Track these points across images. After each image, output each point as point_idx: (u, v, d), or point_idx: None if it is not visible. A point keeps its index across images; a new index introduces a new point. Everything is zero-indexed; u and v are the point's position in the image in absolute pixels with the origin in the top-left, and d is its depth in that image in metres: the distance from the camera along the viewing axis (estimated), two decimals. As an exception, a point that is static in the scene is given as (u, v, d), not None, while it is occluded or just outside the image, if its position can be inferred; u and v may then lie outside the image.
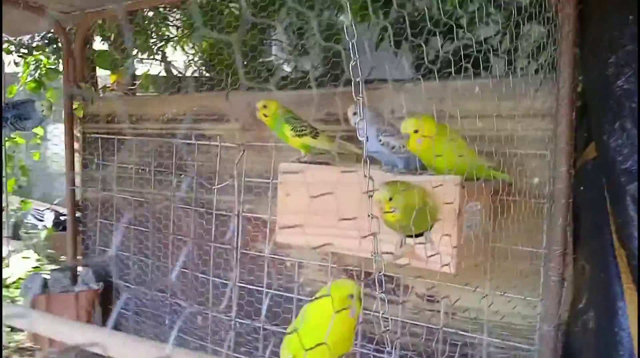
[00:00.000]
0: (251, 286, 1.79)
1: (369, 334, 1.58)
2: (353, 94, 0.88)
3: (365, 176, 0.93)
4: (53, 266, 5.02)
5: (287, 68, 3.03)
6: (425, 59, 1.17)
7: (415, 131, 1.18)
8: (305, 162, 1.43)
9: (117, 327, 2.21)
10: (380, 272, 0.93)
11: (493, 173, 1.27)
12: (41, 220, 6.18)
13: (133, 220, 2.10)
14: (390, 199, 1.11)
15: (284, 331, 1.73)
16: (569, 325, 1.36)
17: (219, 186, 1.82)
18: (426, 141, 1.18)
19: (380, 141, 1.34)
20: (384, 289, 0.93)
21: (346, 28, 0.82)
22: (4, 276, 4.75)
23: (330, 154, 1.51)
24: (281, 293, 1.72)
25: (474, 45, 1.22)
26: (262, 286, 1.76)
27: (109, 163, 2.17)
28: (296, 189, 1.39)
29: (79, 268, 2.17)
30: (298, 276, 1.70)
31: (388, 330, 0.98)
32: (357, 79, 0.93)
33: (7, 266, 4.98)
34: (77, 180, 2.27)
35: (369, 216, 0.95)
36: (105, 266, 2.24)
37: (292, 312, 1.69)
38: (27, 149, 5.64)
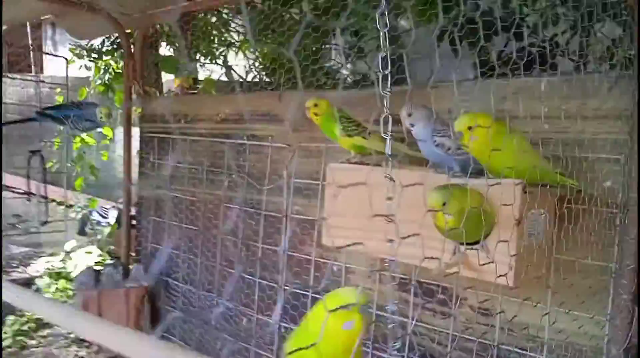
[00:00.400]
0: (297, 291, 1.75)
1: (418, 347, 1.50)
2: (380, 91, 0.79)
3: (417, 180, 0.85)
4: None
5: (345, 72, 3.00)
6: (491, 57, 1.09)
7: (469, 128, 1.09)
8: (355, 163, 1.38)
9: (166, 325, 2.23)
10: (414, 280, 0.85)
11: (560, 178, 1.16)
12: (105, 217, 6.44)
13: (185, 219, 2.12)
14: (444, 204, 1.03)
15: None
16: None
17: (269, 186, 1.79)
18: (481, 136, 1.10)
19: (435, 141, 1.26)
20: (432, 298, 0.86)
21: (377, 19, 0.74)
22: (68, 269, 4.95)
23: (382, 155, 1.45)
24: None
25: (540, 43, 1.13)
26: (308, 291, 1.71)
27: (163, 162, 2.20)
28: (344, 191, 1.34)
29: (132, 265, 2.21)
30: (345, 281, 1.64)
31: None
32: (386, 72, 0.85)
33: (71, 259, 5.20)
34: (134, 179, 2.32)
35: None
36: (157, 265, 2.27)
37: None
38: (97, 150, 5.91)
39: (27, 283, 4.23)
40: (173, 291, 2.21)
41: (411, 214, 1.23)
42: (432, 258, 1.07)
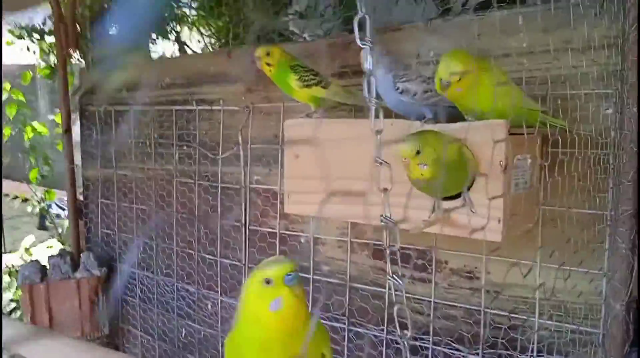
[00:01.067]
0: (263, 267, 1.59)
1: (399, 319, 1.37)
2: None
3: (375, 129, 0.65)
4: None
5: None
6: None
7: (457, 79, 0.92)
8: (315, 118, 1.22)
9: (123, 315, 2.06)
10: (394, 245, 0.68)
11: (548, 118, 1.02)
12: (64, 209, 6.16)
13: (135, 199, 1.93)
14: (418, 153, 0.88)
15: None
16: (641, 302, 1.12)
17: (223, 155, 1.61)
18: (469, 83, 0.93)
19: (398, 89, 1.10)
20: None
21: None
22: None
23: (345, 107, 1.29)
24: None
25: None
26: (274, 267, 1.56)
27: (107, 138, 1.99)
28: (305, 149, 1.17)
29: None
30: (314, 254, 1.49)
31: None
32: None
33: (31, 255, 4.94)
34: (77, 158, 2.11)
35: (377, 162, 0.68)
36: (109, 251, 2.07)
37: (308, 294, 1.49)
38: (52, 140, 5.59)
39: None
40: (129, 279, 2.02)
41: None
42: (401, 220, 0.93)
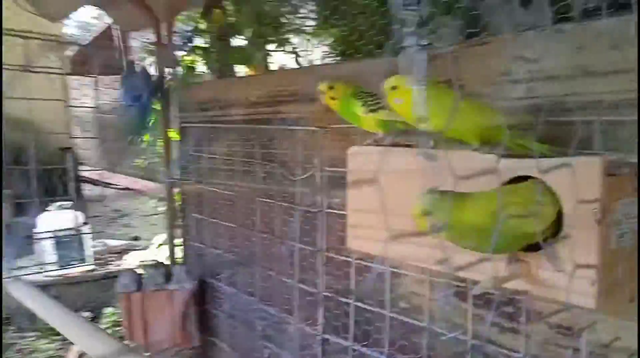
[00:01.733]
0: (339, 298, 1.50)
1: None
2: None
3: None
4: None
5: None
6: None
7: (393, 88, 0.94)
8: (382, 145, 1.10)
9: (212, 329, 2.09)
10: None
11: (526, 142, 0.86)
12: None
13: (223, 216, 1.94)
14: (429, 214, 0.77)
15: (375, 355, 1.41)
16: None
17: (301, 177, 1.55)
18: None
19: None
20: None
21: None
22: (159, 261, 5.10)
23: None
24: (371, 308, 1.40)
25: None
26: (350, 298, 1.46)
27: (201, 154, 2.04)
28: (370, 181, 1.06)
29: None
30: (390, 289, 1.36)
31: None
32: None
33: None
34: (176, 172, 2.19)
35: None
36: (200, 264, 2.12)
37: (383, 331, 1.37)
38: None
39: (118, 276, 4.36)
40: (218, 294, 2.05)
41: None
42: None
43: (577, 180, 0.75)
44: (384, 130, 1.10)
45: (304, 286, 1.61)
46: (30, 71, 2.23)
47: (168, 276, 2.02)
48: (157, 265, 2.04)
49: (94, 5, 2.47)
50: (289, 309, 1.68)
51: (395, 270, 1.34)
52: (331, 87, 1.15)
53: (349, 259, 1.45)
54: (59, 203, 4.26)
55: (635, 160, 0.80)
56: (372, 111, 1.07)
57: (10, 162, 2.38)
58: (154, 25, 2.05)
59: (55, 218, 4.20)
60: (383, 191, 0.99)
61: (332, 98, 1.15)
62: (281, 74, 1.64)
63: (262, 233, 1.77)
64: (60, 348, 3.22)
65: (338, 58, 2.55)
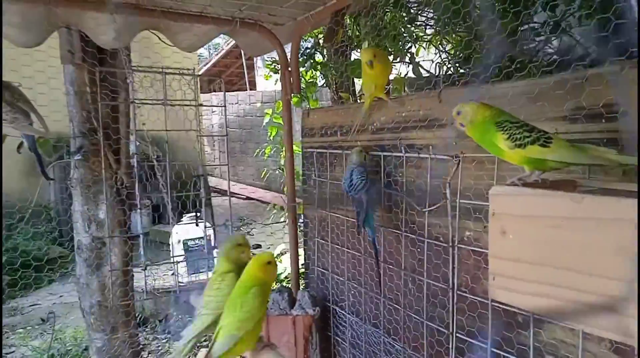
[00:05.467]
0: (472, 340, 1.37)
1: None
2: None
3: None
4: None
5: (549, 50, 2.44)
6: None
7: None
8: (530, 185, 0.97)
9: (334, 356, 2.05)
10: None
11: None
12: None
13: (346, 242, 1.90)
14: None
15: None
16: None
17: (430, 209, 1.45)
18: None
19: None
20: None
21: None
22: (279, 271, 5.26)
23: (576, 169, 1.02)
24: (511, 356, 1.26)
25: None
26: (485, 343, 1.33)
27: (323, 179, 2.02)
28: (516, 226, 0.94)
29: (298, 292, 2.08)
30: (534, 336, 1.22)
31: None
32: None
33: (281, 261, 5.52)
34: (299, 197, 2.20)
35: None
36: (323, 290, 2.10)
37: (527, 386, 1.22)
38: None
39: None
40: (340, 321, 2.01)
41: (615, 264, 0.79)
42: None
43: None
44: (532, 167, 0.97)
45: (432, 325, 1.51)
46: (169, 104, 2.39)
47: (292, 301, 2.02)
48: (282, 289, 2.05)
49: (225, 35, 2.58)
50: (417, 347, 1.59)
51: (541, 316, 1.19)
52: (458, 113, 1.05)
53: (484, 300, 1.33)
54: (189, 215, 4.57)
55: None
56: (519, 146, 0.95)
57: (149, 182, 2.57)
58: (279, 49, 2.07)
59: (187, 228, 4.51)
60: (543, 237, 0.88)
61: (462, 124, 1.05)
62: (405, 99, 1.55)
63: (388, 263, 1.69)
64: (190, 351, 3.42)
65: (461, 69, 2.40)
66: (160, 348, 3.61)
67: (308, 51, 4.46)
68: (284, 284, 4.63)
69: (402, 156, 1.58)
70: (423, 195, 1.50)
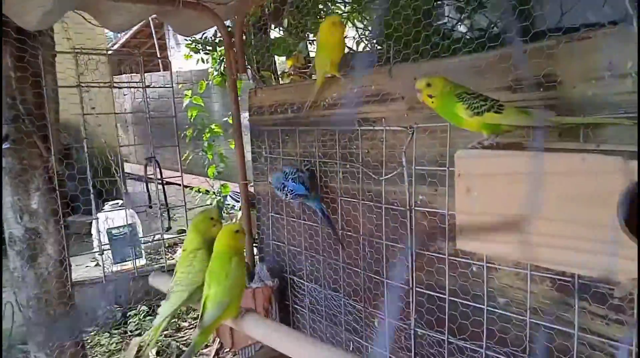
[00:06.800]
0: (431, 293, 1.53)
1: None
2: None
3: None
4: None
5: (462, 29, 2.63)
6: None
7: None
8: (488, 147, 1.11)
9: (295, 324, 2.16)
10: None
11: None
12: (238, 201, 6.76)
13: (302, 214, 1.99)
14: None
15: (473, 347, 1.44)
16: None
17: (387, 177, 1.58)
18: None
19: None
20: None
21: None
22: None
23: (521, 132, 1.17)
24: (467, 302, 1.43)
25: None
26: (443, 293, 1.49)
27: (275, 156, 2.08)
28: (479, 183, 1.08)
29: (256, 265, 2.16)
30: (487, 283, 1.39)
31: None
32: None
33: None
34: (249, 174, 2.25)
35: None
36: (279, 262, 2.18)
37: (482, 326, 1.39)
38: (225, 138, 6.16)
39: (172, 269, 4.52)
40: (299, 290, 2.11)
41: (569, 210, 0.95)
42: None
43: None
44: (489, 132, 1.11)
45: (393, 283, 1.65)
46: (82, 86, 2.34)
47: (250, 275, 2.09)
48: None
49: (154, 15, 2.53)
50: (377, 305, 1.72)
51: (492, 265, 1.36)
52: (428, 85, 1.16)
53: (441, 255, 1.48)
54: (112, 203, 4.44)
55: None
56: (478, 114, 1.09)
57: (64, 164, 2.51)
58: (222, 30, 2.09)
59: (110, 217, 4.37)
60: (502, 191, 1.02)
61: (430, 96, 1.16)
62: (355, 75, 1.65)
63: (345, 231, 1.81)
64: (121, 342, 3.37)
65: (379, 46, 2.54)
66: (88, 340, 3.51)
67: (230, 29, 4.42)
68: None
69: (357, 130, 1.68)
70: (379, 165, 1.62)
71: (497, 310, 1.37)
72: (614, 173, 0.87)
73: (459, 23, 2.57)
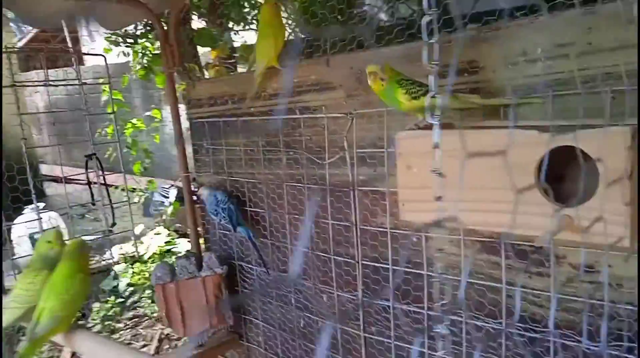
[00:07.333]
0: (376, 264, 1.67)
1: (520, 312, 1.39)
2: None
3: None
4: (183, 240, 5.36)
5: (383, 16, 2.79)
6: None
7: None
8: (424, 128, 1.25)
9: (245, 308, 2.23)
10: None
11: None
12: (167, 197, 6.62)
13: (248, 202, 2.07)
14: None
15: (416, 310, 1.60)
16: None
17: (331, 160, 1.69)
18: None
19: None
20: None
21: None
22: (141, 252, 5.14)
23: (451, 114, 1.31)
24: (409, 269, 1.58)
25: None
26: (387, 264, 1.63)
27: (217, 147, 2.13)
28: (418, 160, 1.22)
29: (203, 254, 2.20)
30: (426, 251, 1.54)
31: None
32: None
33: (142, 243, 5.39)
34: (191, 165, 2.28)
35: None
36: (227, 250, 2.25)
37: (422, 290, 1.55)
38: (148, 133, 6.00)
39: (105, 270, 4.41)
40: (248, 275, 2.19)
41: (495, 178, 1.11)
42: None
43: (609, 144, 0.94)
44: (423, 115, 1.25)
45: (340, 258, 1.77)
46: None
47: (199, 264, 2.14)
48: (188, 254, 2.15)
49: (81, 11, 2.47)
50: (326, 280, 1.84)
51: (429, 234, 1.52)
52: (381, 70, 1.27)
53: (382, 229, 1.62)
54: (32, 206, 4.26)
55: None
56: (415, 98, 1.22)
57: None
58: (157, 23, 2.10)
59: (31, 221, 4.19)
60: (433, 168, 1.16)
61: (382, 79, 1.27)
62: (299, 65, 1.74)
63: (292, 214, 1.91)
64: (51, 349, 3.28)
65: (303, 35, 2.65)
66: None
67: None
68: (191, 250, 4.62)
69: (299, 118, 1.78)
70: (322, 150, 1.73)
71: (435, 274, 1.53)
72: (531, 144, 1.03)
73: (381, 12, 2.72)
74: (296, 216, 1.90)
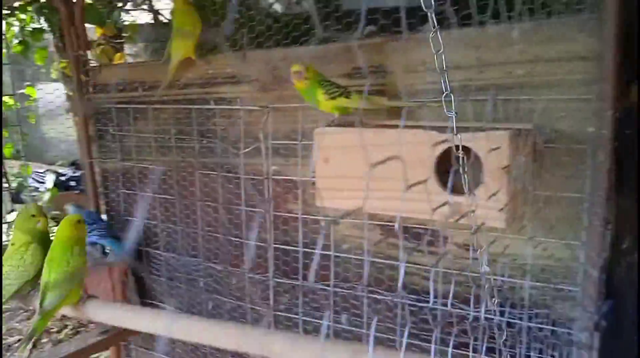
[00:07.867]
0: (287, 247, 1.80)
1: (411, 285, 1.61)
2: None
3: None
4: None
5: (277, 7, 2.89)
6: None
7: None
8: (340, 124, 1.40)
9: (153, 293, 2.26)
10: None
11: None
12: (42, 183, 6.18)
13: (157, 189, 2.09)
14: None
15: (322, 287, 1.77)
16: (612, 264, 1.39)
17: (247, 150, 1.79)
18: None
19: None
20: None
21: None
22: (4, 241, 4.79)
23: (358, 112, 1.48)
24: (319, 251, 1.73)
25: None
26: (297, 246, 1.77)
27: (125, 133, 2.12)
28: (335, 153, 1.37)
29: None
30: (333, 234, 1.71)
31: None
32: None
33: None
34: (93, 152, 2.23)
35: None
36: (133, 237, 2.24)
37: (329, 269, 1.72)
38: (20, 113, 5.53)
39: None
40: (155, 261, 2.21)
41: (397, 170, 1.29)
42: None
43: (490, 143, 1.16)
44: (340, 112, 1.40)
45: (252, 243, 1.88)
46: None
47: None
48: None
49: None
50: (237, 264, 1.94)
51: (337, 219, 1.68)
52: (306, 69, 1.39)
53: (294, 215, 1.76)
54: None
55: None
56: (332, 98, 1.36)
57: None
58: (61, 3, 2.02)
59: None
60: (353, 160, 1.32)
61: (307, 78, 1.39)
62: (211, 59, 1.80)
63: (204, 201, 1.97)
64: None
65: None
66: None
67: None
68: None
69: (214, 109, 1.85)
70: (237, 140, 1.82)
71: (341, 255, 1.70)
72: (429, 142, 1.22)
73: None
74: (209, 203, 1.97)
